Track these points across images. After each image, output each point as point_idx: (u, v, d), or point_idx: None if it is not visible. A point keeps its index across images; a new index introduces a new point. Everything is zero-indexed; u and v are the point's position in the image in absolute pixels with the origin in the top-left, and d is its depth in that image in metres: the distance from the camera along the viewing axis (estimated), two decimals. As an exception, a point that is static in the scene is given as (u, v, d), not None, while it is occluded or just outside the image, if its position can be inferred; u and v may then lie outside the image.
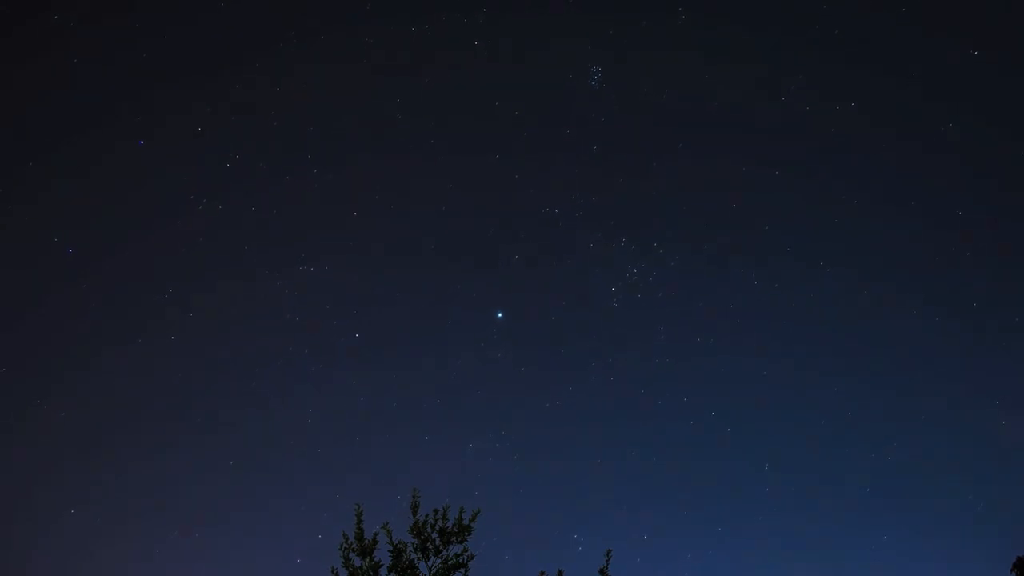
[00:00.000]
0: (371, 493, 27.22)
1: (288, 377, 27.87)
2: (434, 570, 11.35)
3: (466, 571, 11.53)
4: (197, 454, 27.08)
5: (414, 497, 11.63)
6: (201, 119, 26.68)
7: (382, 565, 11.30)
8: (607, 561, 11.55)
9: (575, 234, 28.02)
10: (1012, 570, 13.55)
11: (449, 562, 11.42)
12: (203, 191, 26.77)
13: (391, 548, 11.40)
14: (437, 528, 11.55)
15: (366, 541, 11.32)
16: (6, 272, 26.58)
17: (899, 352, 28.89)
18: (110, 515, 26.00)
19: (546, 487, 28.43)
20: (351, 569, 11.21)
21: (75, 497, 25.66)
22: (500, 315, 28.03)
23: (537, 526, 28.11)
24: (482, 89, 27.76)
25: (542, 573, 11.33)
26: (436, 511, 11.64)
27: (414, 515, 11.62)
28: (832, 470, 28.52)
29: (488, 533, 26.24)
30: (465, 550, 11.60)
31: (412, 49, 27.14)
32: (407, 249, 28.56)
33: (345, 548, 11.36)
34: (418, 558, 11.35)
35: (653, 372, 28.52)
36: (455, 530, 11.52)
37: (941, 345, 28.52)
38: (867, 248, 28.71)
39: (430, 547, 11.39)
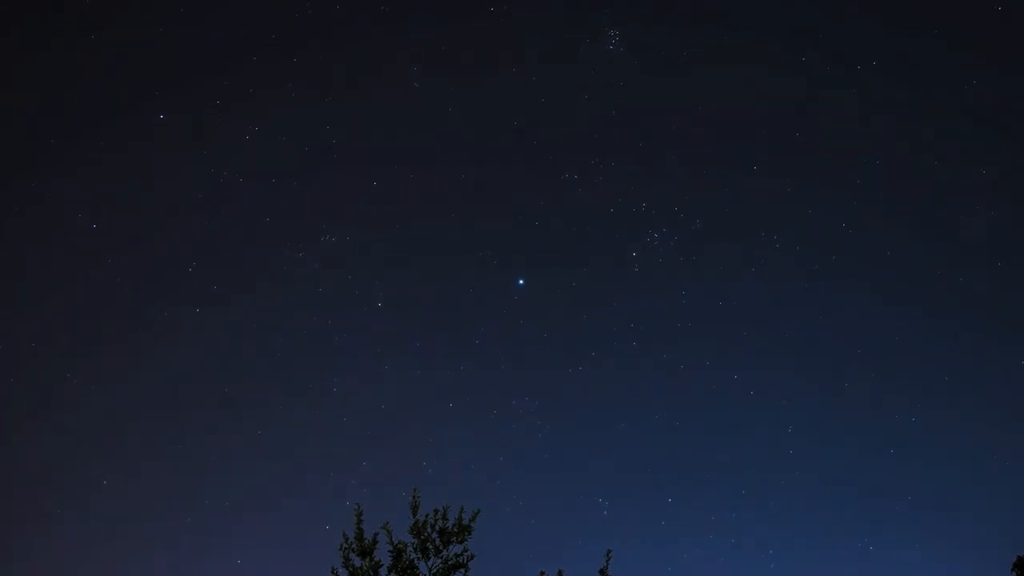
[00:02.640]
0: (396, 460, 27.57)
1: (312, 347, 28.12)
2: (434, 570, 11.40)
3: (466, 571, 11.54)
4: (224, 424, 27.54)
5: (414, 497, 11.63)
6: (219, 92, 26.70)
7: (382, 565, 11.35)
8: (607, 561, 11.53)
9: (595, 199, 27.74)
10: (1012, 570, 13.38)
11: (449, 562, 11.45)
12: (223, 164, 26.87)
13: (391, 548, 11.42)
14: (437, 528, 11.56)
15: (366, 541, 11.36)
16: (34, 250, 26.93)
17: (923, 314, 28.62)
18: (141, 485, 26.58)
19: (570, 452, 28.58)
20: (351, 569, 11.27)
21: (106, 468, 26.23)
22: (521, 282, 28.02)
23: (562, 490, 28.35)
24: (499, 54, 27.45)
25: (542, 573, 11.35)
26: (436, 511, 11.64)
27: (414, 515, 11.63)
28: (856, 432, 28.42)
29: (514, 498, 26.67)
30: (465, 550, 11.61)
31: (428, 16, 26.83)
32: (428, 218, 28.53)
33: (345, 548, 11.40)
34: (418, 558, 11.38)
35: (675, 336, 28.39)
36: (455, 530, 11.51)
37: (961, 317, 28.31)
38: (891, 208, 28.33)
39: (430, 547, 11.43)
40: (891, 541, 26.85)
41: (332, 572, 11.24)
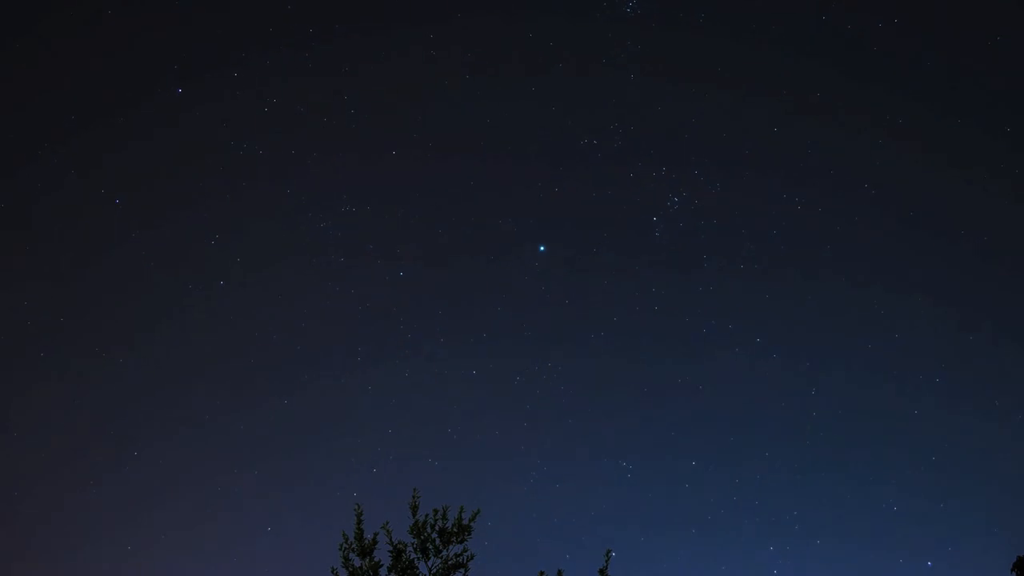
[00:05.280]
0: (421, 427, 27.87)
1: (335, 317, 28.34)
2: (434, 570, 11.48)
3: (466, 571, 11.60)
4: (250, 395, 27.90)
5: (414, 497, 11.65)
6: (237, 64, 26.65)
7: (382, 565, 11.42)
8: (607, 562, 11.54)
9: (614, 164, 27.49)
10: (1012, 570, 13.30)
11: (449, 562, 11.52)
12: (243, 136, 26.91)
13: (391, 548, 11.48)
14: (437, 528, 11.60)
15: (366, 541, 11.43)
16: (59, 227, 27.23)
17: (947, 277, 28.28)
18: (168, 457, 27.09)
19: (593, 417, 28.72)
20: (351, 569, 11.36)
21: (137, 439, 26.74)
22: (543, 248, 28.00)
23: (585, 455, 28.55)
24: (515, 20, 27.09)
25: (541, 573, 11.41)
26: (436, 511, 11.66)
27: (414, 515, 11.65)
28: (879, 393, 28.24)
29: (538, 463, 26.93)
30: (465, 550, 11.66)
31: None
32: (447, 186, 28.43)
33: (345, 548, 11.47)
34: (418, 558, 11.45)
35: (697, 300, 28.28)
36: (455, 530, 11.56)
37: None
38: (910, 172, 27.87)
39: (430, 547, 11.49)
40: (915, 499, 26.91)
41: (332, 572, 11.37)
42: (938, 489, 26.70)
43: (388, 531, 11.53)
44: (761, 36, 27.18)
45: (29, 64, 26.30)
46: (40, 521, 25.88)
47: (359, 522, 11.53)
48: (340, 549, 11.38)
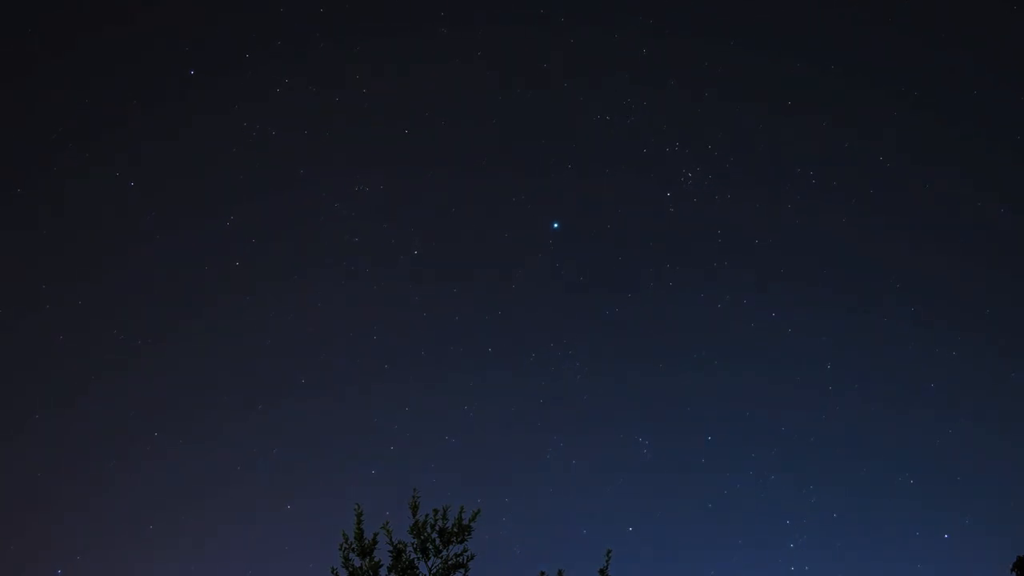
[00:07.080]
0: (437, 406, 27.98)
1: (350, 296, 28.41)
2: (434, 570, 11.50)
3: (466, 571, 11.61)
4: (264, 373, 28.05)
5: (414, 497, 11.65)
6: (247, 46, 26.55)
7: (382, 565, 11.44)
8: (607, 562, 11.55)
9: (627, 140, 27.28)
10: (1012, 570, 13.22)
11: (449, 562, 11.53)
12: (255, 117, 26.83)
13: (391, 548, 11.49)
14: (437, 528, 11.60)
15: (366, 541, 11.44)
16: (75, 212, 27.35)
17: (959, 252, 28.01)
18: (193, 434, 27.32)
19: (608, 394, 28.74)
20: (351, 569, 11.38)
21: (154, 424, 26.98)
22: (556, 225, 27.88)
23: (601, 432, 28.59)
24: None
25: (542, 574, 11.46)
26: (436, 511, 11.65)
27: (414, 515, 11.65)
28: (895, 368, 28.11)
29: (555, 440, 27.03)
30: (465, 550, 11.66)
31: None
32: (461, 164, 28.31)
33: (345, 548, 11.47)
34: (418, 558, 11.47)
35: (712, 276, 28.17)
36: (455, 530, 11.55)
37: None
38: (930, 142, 27.53)
39: (430, 547, 11.50)
40: (931, 473, 26.88)
41: (332, 572, 11.39)
42: (955, 463, 26.69)
43: (388, 531, 11.55)
44: (776, 10, 26.87)
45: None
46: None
47: (359, 522, 11.54)
48: (340, 549, 11.42)
